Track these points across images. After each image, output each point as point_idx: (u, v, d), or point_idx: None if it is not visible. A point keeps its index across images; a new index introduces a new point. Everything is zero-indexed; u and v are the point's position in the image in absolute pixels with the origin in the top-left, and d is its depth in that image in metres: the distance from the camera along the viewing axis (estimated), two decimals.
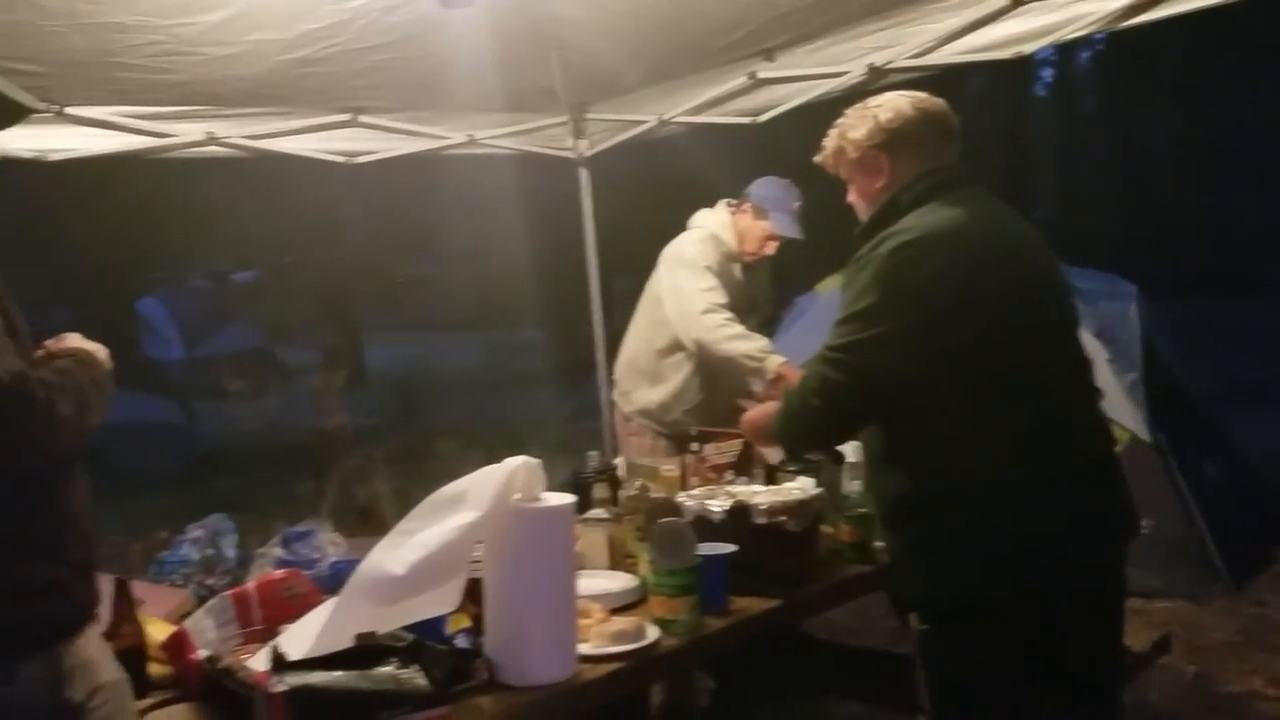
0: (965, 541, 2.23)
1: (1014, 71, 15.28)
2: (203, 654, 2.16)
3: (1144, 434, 5.23)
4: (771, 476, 3.19)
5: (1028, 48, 3.49)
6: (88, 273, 12.56)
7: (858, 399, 2.30)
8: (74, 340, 1.87)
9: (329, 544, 2.82)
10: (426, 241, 19.58)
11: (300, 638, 2.05)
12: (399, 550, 2.02)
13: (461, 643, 2.13)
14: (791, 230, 4.07)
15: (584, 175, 4.96)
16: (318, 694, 1.74)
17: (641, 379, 4.27)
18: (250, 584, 2.42)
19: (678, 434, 4.00)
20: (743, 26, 3.73)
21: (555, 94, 4.51)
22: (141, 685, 2.07)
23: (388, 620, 2.01)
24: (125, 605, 2.17)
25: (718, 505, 2.74)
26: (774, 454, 2.99)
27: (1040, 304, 2.35)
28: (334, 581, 2.52)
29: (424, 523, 2.07)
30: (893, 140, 2.41)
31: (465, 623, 2.20)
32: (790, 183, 4.13)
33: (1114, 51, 17.92)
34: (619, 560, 2.84)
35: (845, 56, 3.83)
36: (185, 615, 2.45)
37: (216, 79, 3.63)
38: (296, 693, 1.72)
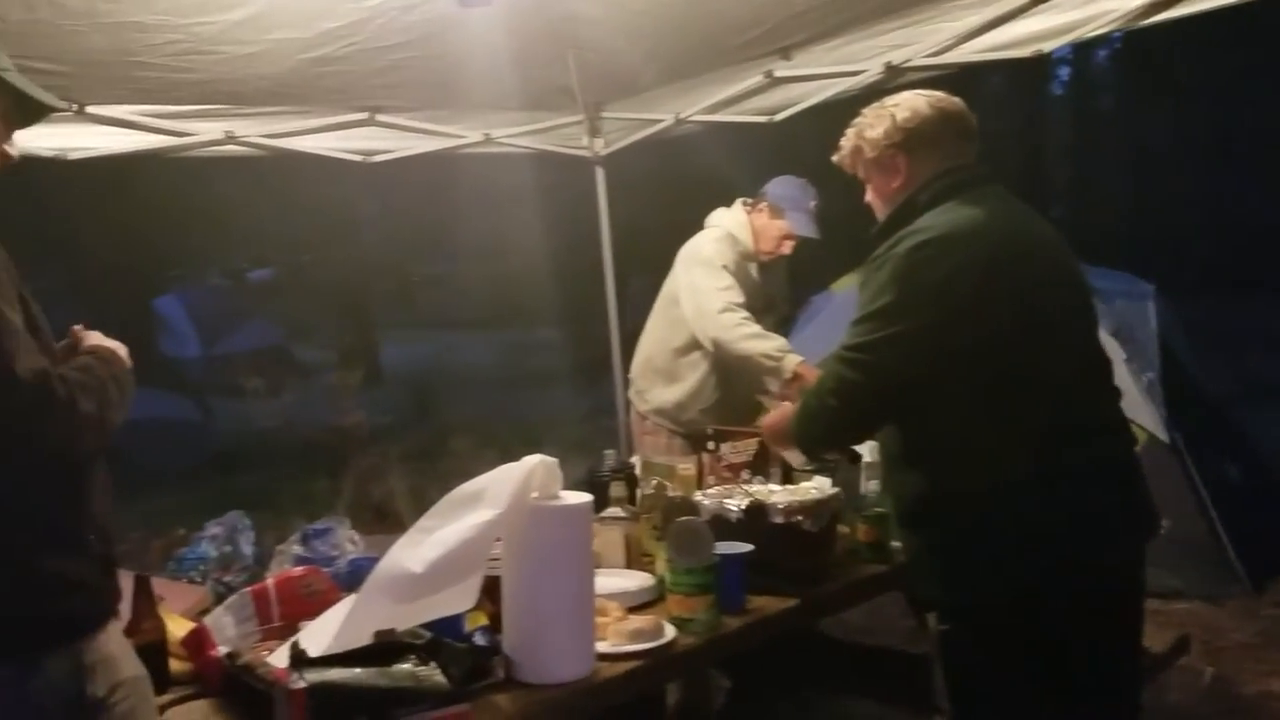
0: (983, 541, 2.23)
1: (1031, 71, 15.22)
2: (222, 650, 2.17)
3: (1161, 434, 5.21)
4: (788, 476, 3.18)
5: (1047, 46, 3.48)
6: (105, 271, 12.61)
7: (875, 398, 2.30)
8: (95, 338, 1.88)
9: (347, 541, 2.83)
10: (442, 240, 19.59)
11: (319, 634, 2.06)
12: (418, 548, 2.03)
13: (479, 640, 2.14)
14: (808, 230, 4.06)
15: (600, 174, 4.96)
16: (337, 690, 1.74)
17: (657, 378, 4.27)
18: (269, 581, 2.43)
19: (693, 433, 4.00)
20: (759, 25, 3.73)
21: (572, 93, 4.52)
22: (162, 681, 2.08)
23: (406, 618, 2.02)
24: (146, 601, 2.19)
25: (735, 504, 2.74)
26: (795, 457, 2.98)
27: (1059, 303, 2.34)
28: (352, 579, 2.53)
29: (442, 520, 2.07)
30: (910, 139, 2.41)
31: (482, 620, 2.21)
32: (807, 182, 4.12)
33: (1131, 51, 17.84)
34: (636, 559, 2.84)
35: (862, 55, 3.83)
36: (204, 612, 2.47)
37: (236, 78, 3.65)
38: (316, 689, 1.73)
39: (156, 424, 9.02)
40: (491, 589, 2.19)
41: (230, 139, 4.12)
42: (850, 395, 2.31)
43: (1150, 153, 18.65)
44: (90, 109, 3.65)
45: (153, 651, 2.07)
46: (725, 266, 4.01)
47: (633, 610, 2.47)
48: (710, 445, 3.42)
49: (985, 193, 2.36)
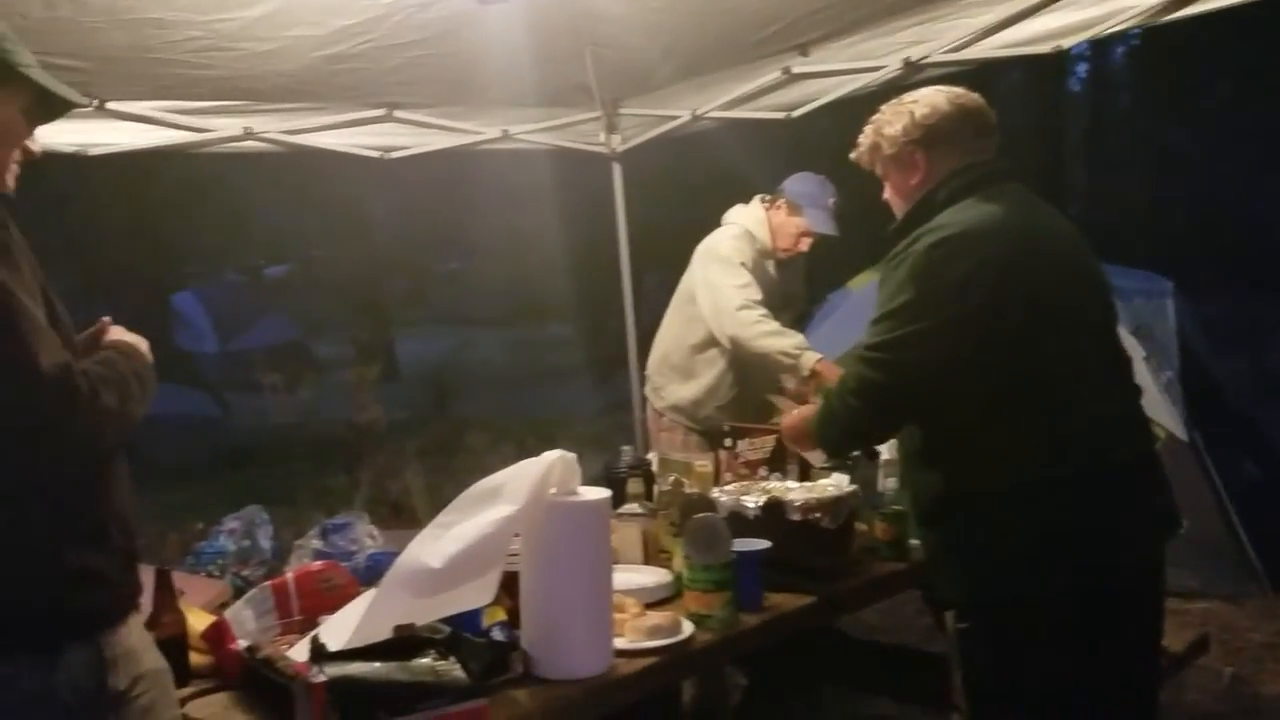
0: (1002, 540, 2.22)
1: (1049, 67, 15.14)
2: (242, 644, 2.18)
3: (1180, 432, 5.18)
4: (806, 473, 3.18)
5: (1066, 42, 3.47)
6: (123, 267, 12.69)
7: (897, 397, 2.30)
8: (116, 332, 1.89)
9: (366, 536, 2.84)
10: (458, 236, 19.63)
11: (339, 629, 2.06)
12: (437, 543, 2.03)
13: (497, 636, 2.14)
14: (826, 227, 4.06)
15: (617, 170, 4.96)
16: (357, 684, 1.75)
17: (674, 375, 4.27)
18: (289, 575, 2.44)
19: (710, 430, 4.00)
20: (777, 21, 3.72)
21: (589, 89, 4.51)
22: (182, 674, 2.10)
23: (425, 612, 2.02)
24: (167, 595, 2.20)
25: (752, 501, 2.73)
26: (816, 457, 2.98)
27: (1078, 301, 2.33)
28: (371, 573, 2.54)
29: (461, 516, 2.07)
30: (929, 136, 2.40)
31: (501, 616, 2.22)
32: (825, 179, 4.11)
33: (1149, 48, 17.74)
34: (653, 555, 2.84)
35: (880, 51, 3.82)
36: (223, 605, 2.48)
37: (254, 74, 3.66)
38: (336, 683, 1.74)
39: (174, 419, 9.09)
40: (510, 584, 2.20)
41: (249, 135, 4.14)
42: (872, 395, 2.31)
43: (1169, 150, 18.54)
44: (110, 105, 3.66)
45: (173, 645, 2.09)
46: (743, 264, 4.00)
47: (650, 606, 2.46)
48: (727, 442, 3.41)
49: (1004, 190, 2.35)
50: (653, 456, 3.55)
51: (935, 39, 3.65)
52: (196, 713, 2.07)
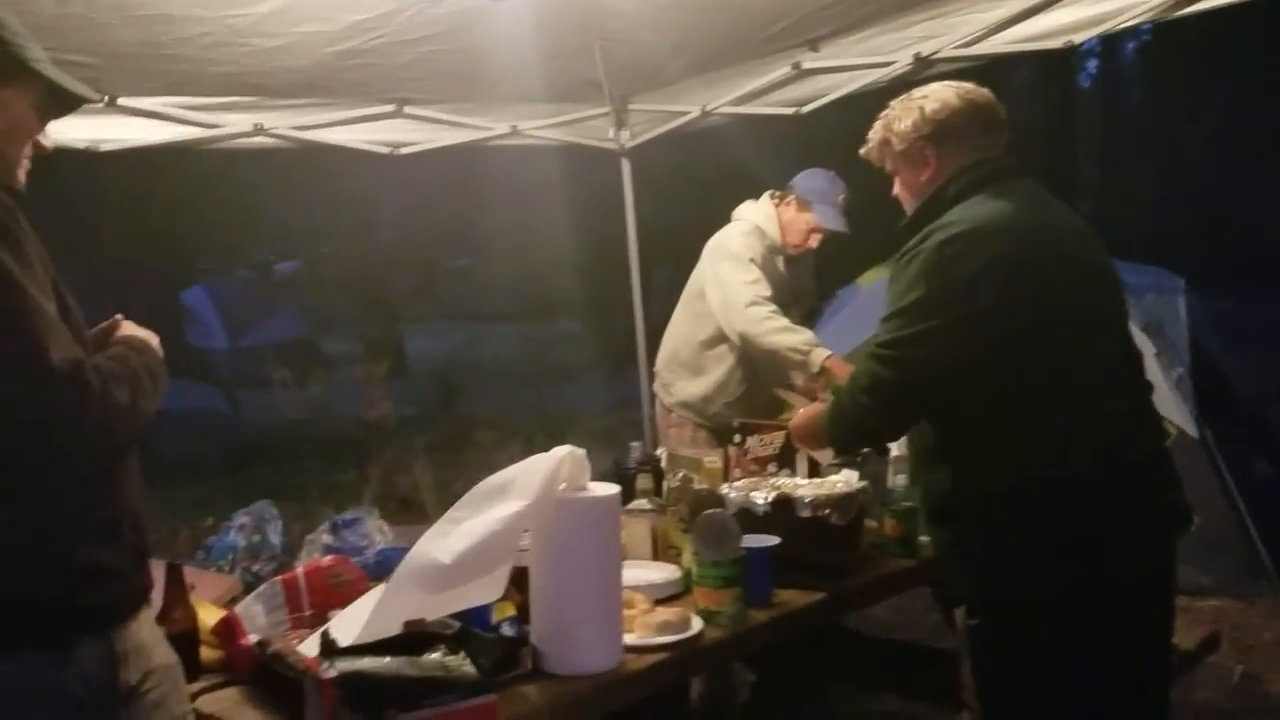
0: (1012, 538, 2.22)
1: (1059, 63, 15.12)
2: (253, 638, 2.19)
3: (1191, 429, 5.16)
4: (815, 469, 3.18)
5: (1078, 38, 3.46)
6: (133, 263, 12.71)
7: (909, 394, 2.29)
8: (128, 328, 1.89)
9: (376, 532, 2.84)
10: (467, 233, 19.64)
11: (349, 624, 2.07)
12: (446, 539, 2.04)
13: (507, 631, 2.14)
14: (836, 223, 4.05)
15: (626, 166, 4.96)
16: (367, 679, 1.75)
17: (683, 371, 4.26)
18: (299, 570, 2.45)
19: (719, 426, 4.00)
20: (787, 17, 3.72)
21: (598, 85, 4.51)
22: (193, 669, 2.10)
23: (435, 608, 2.02)
24: (177, 590, 2.20)
25: (762, 497, 2.73)
26: (826, 456, 2.97)
27: (1089, 298, 2.32)
28: (381, 569, 2.55)
29: (471, 511, 2.08)
30: (939, 132, 2.39)
31: (510, 611, 2.22)
32: (835, 175, 4.10)
33: (1160, 44, 17.70)
34: (662, 551, 2.84)
35: (891, 46, 3.82)
36: (234, 601, 2.49)
37: (265, 70, 3.67)
38: (346, 678, 1.74)
39: (184, 415, 9.09)
40: (519, 580, 2.20)
41: (259, 131, 4.14)
42: (884, 392, 2.31)
43: (1180, 146, 18.51)
44: (121, 101, 3.67)
45: (184, 640, 2.09)
46: (753, 260, 4.00)
47: (659, 602, 2.46)
48: (736, 438, 3.41)
49: (1014, 186, 2.35)
50: (662, 452, 3.55)
51: (946, 34, 3.64)
52: (207, 707, 2.07)
